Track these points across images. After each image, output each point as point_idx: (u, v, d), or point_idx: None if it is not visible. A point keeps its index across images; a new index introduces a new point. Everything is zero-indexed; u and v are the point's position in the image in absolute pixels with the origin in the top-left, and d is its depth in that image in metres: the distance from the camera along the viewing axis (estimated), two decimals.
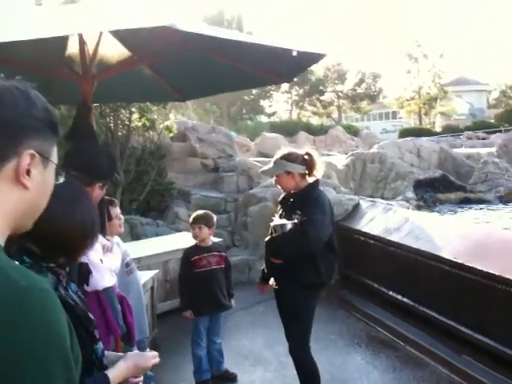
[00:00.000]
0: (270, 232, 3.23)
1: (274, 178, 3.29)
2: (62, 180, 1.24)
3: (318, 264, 3.10)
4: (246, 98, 42.21)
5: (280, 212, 3.32)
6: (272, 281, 3.32)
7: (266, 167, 3.41)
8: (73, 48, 3.38)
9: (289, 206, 3.22)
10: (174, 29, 1.90)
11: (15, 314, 0.72)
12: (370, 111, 50.94)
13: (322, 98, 48.12)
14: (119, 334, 2.48)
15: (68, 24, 2.36)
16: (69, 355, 0.78)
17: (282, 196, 3.39)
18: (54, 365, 0.75)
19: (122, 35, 3.47)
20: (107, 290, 2.44)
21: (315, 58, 3.34)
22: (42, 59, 3.28)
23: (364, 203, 6.47)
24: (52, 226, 1.28)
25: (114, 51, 3.47)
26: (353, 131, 32.63)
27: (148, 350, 2.32)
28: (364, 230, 5.68)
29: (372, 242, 5.41)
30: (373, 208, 6.18)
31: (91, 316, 1.42)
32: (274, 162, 3.26)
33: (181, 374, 4.04)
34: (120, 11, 2.84)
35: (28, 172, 0.87)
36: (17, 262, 0.93)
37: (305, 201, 3.12)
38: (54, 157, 0.96)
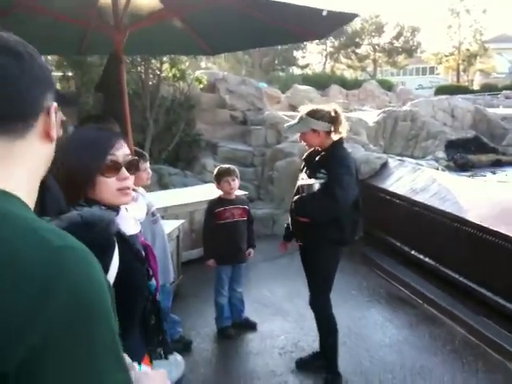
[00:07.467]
0: (296, 190, 3.24)
1: (299, 134, 3.26)
2: None
3: (343, 223, 3.13)
4: (279, 48, 41.27)
5: (304, 169, 3.31)
6: (294, 239, 3.38)
7: (291, 123, 3.37)
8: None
9: (314, 163, 3.21)
10: None
11: (50, 273, 0.66)
12: (406, 66, 49.26)
13: (357, 50, 46.63)
14: None
15: None
16: (110, 314, 0.71)
17: (307, 153, 3.38)
18: (96, 326, 0.68)
19: None
20: (131, 237, 2.55)
21: (348, 17, 3.31)
22: (76, 10, 3.30)
23: (392, 162, 6.42)
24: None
25: (145, 2, 3.45)
26: (387, 86, 31.71)
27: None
28: (390, 189, 5.67)
29: (398, 201, 5.41)
30: (401, 167, 6.14)
31: (143, 253, 1.50)
32: (300, 119, 3.21)
33: (203, 319, 4.22)
34: None
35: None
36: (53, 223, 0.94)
37: (330, 159, 3.11)
38: None
